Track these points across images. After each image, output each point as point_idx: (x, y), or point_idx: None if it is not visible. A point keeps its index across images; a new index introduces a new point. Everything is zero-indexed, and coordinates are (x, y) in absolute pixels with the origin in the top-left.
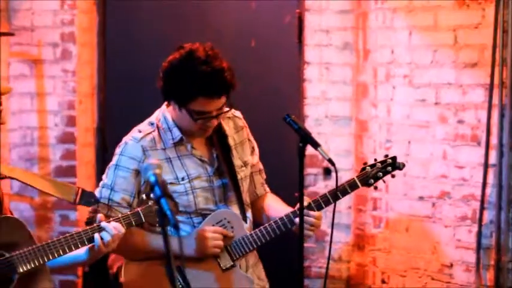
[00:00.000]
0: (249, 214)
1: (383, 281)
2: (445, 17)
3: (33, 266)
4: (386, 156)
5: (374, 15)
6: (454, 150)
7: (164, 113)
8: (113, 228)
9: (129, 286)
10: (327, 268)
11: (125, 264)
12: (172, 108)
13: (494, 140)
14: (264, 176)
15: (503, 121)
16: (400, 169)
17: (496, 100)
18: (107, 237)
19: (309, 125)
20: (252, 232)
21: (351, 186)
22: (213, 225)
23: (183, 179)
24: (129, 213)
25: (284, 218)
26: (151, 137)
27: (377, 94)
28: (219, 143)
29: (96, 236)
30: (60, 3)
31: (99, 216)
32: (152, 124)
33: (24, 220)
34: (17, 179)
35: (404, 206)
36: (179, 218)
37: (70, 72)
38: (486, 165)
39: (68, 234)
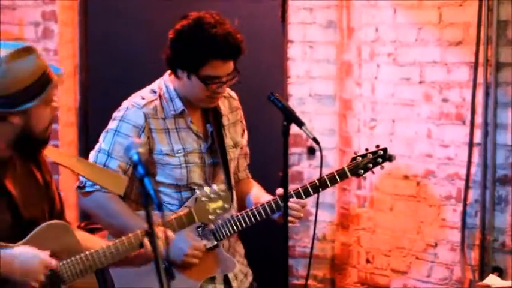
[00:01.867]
0: (234, 195)
1: (367, 261)
2: None
3: (81, 276)
4: (377, 146)
5: None
6: (439, 129)
7: (166, 83)
8: (162, 233)
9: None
10: (312, 248)
11: None
12: (175, 78)
13: (479, 119)
14: (248, 161)
15: (488, 100)
16: (391, 161)
17: (480, 78)
18: (159, 244)
19: (293, 104)
20: (238, 214)
21: (340, 175)
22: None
23: (178, 151)
24: (181, 213)
25: (271, 202)
26: (154, 105)
27: (361, 73)
28: (214, 121)
29: (146, 241)
30: None
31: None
32: (155, 92)
33: None
34: (65, 166)
35: (388, 185)
36: (168, 191)
37: (52, 51)
38: (471, 144)
39: (117, 241)
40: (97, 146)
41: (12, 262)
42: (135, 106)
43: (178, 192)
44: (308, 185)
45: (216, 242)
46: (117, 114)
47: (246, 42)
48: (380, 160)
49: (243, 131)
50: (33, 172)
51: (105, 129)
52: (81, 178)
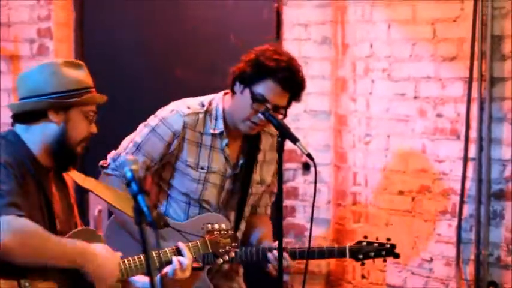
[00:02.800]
0: (242, 225)
1: (363, 276)
2: (423, 10)
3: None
4: (388, 239)
5: (352, 8)
6: (434, 144)
7: (218, 101)
8: (189, 253)
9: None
10: (306, 264)
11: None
12: (229, 96)
13: (473, 134)
14: (273, 199)
15: (482, 114)
16: (396, 258)
17: (475, 93)
18: (185, 261)
19: (288, 120)
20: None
21: (339, 252)
22: (202, 225)
23: (202, 168)
24: (197, 241)
25: (260, 250)
26: (197, 117)
27: (356, 88)
28: (249, 153)
29: (175, 259)
30: None
31: (179, 243)
32: (203, 105)
33: None
34: (90, 190)
35: (384, 201)
36: (179, 198)
37: None
38: (466, 159)
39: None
40: (132, 135)
41: (95, 258)
42: (178, 112)
43: (187, 204)
44: (304, 248)
45: (201, 265)
46: (160, 112)
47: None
48: (384, 253)
49: (275, 172)
50: (64, 190)
51: (145, 123)
52: (108, 159)
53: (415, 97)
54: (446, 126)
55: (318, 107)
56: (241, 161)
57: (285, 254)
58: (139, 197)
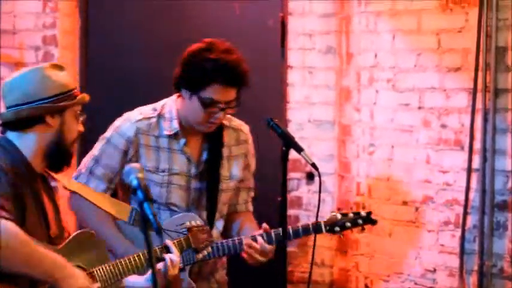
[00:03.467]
0: (219, 224)
1: (366, 286)
2: (428, 20)
3: (110, 283)
4: (363, 208)
5: (357, 19)
6: (438, 155)
7: (171, 103)
8: (177, 251)
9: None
10: (310, 273)
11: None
12: (181, 99)
13: (477, 145)
14: (252, 195)
15: (486, 125)
16: (373, 224)
17: (479, 104)
18: (174, 258)
19: (292, 129)
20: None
21: (315, 229)
22: (176, 226)
23: (163, 171)
24: (181, 238)
25: (236, 239)
26: (149, 122)
27: (360, 98)
28: (212, 149)
29: (167, 256)
30: (42, 6)
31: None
32: (155, 110)
33: None
34: (76, 192)
35: (387, 211)
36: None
37: None
38: (469, 170)
39: (140, 254)
40: (91, 151)
41: (73, 283)
42: (130, 119)
43: (156, 210)
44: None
45: (182, 265)
46: (115, 122)
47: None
48: (361, 221)
49: (247, 165)
50: (51, 193)
51: (101, 136)
52: (80, 169)
53: (420, 107)
54: (450, 137)
55: (322, 116)
56: (204, 158)
57: (260, 240)
58: (145, 205)
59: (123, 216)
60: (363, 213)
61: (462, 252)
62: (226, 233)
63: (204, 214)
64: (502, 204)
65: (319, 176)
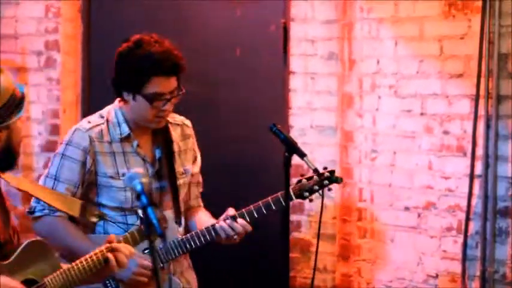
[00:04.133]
0: (182, 221)
1: None
2: (430, 27)
3: None
4: (325, 168)
5: (360, 25)
6: (440, 161)
7: (115, 108)
8: (126, 249)
9: None
10: (313, 279)
11: None
12: (124, 103)
13: (480, 151)
14: (201, 190)
15: (489, 132)
16: (338, 183)
17: (482, 111)
18: (123, 258)
19: (294, 135)
20: (183, 237)
21: (286, 198)
22: None
23: (123, 174)
24: (133, 229)
25: (209, 226)
26: (100, 128)
27: (362, 104)
28: (163, 147)
29: (111, 256)
30: (45, 11)
31: (111, 236)
32: (102, 117)
33: None
34: (25, 191)
35: (389, 217)
36: (113, 214)
37: (54, 80)
38: (472, 176)
39: (87, 256)
40: (46, 170)
41: None
42: (80, 130)
43: (124, 216)
44: (252, 208)
45: (161, 264)
46: (65, 137)
47: (248, 73)
48: (326, 182)
49: (195, 158)
50: (1, 198)
51: (54, 153)
52: (31, 203)
53: (422, 114)
54: (453, 143)
55: (324, 122)
56: (157, 156)
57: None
58: (149, 210)
59: (75, 212)
60: (326, 173)
61: (464, 258)
62: (185, 229)
63: (171, 212)
64: (504, 211)
65: (322, 182)
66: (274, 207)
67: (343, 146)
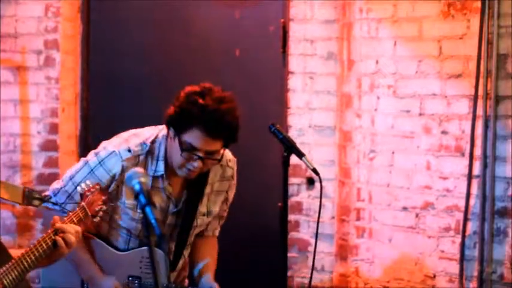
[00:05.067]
0: (186, 252)
1: None
2: (430, 27)
3: (17, 279)
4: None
5: (359, 25)
6: (438, 161)
7: (162, 141)
8: (72, 228)
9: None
10: (310, 278)
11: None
12: (169, 137)
13: (478, 151)
14: (222, 223)
15: (487, 132)
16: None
17: (480, 111)
18: (70, 238)
19: (293, 135)
20: (169, 284)
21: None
22: (141, 258)
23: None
24: (77, 210)
25: None
26: (137, 160)
27: (361, 104)
28: (194, 188)
29: (59, 238)
30: (44, 11)
31: (55, 218)
32: (146, 146)
33: (6, 228)
34: None
35: (387, 217)
36: (119, 231)
37: (53, 79)
38: (470, 176)
39: (36, 242)
40: (73, 170)
41: None
42: (118, 155)
43: (128, 236)
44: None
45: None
46: (100, 152)
47: (247, 73)
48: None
49: (226, 199)
50: None
51: (86, 159)
52: (49, 192)
53: (420, 114)
54: (451, 144)
55: (322, 122)
56: (183, 198)
57: None
58: (147, 209)
59: (18, 199)
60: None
61: (462, 258)
62: (189, 258)
63: (173, 245)
64: (502, 211)
65: (320, 182)
66: None
67: (341, 146)
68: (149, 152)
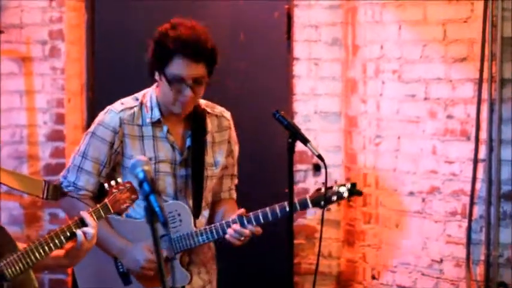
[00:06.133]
0: (206, 212)
1: (373, 277)
2: (434, 11)
3: (19, 271)
4: (348, 179)
5: (363, 10)
6: (444, 145)
7: (151, 92)
8: (93, 221)
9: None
10: (317, 265)
11: (83, 284)
12: (157, 85)
13: (483, 135)
14: (235, 182)
15: (492, 116)
16: (359, 195)
17: (485, 95)
18: (90, 231)
19: (298, 121)
20: (197, 229)
21: (301, 204)
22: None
23: (150, 159)
24: (98, 206)
25: (221, 223)
26: (132, 111)
27: (366, 90)
28: (196, 136)
29: (79, 232)
30: (49, 1)
31: (81, 212)
32: (137, 99)
33: (14, 219)
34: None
35: (394, 202)
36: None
37: (59, 69)
38: (476, 160)
39: (51, 232)
40: (77, 148)
41: None
42: (113, 111)
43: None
44: (268, 210)
45: (173, 255)
46: (97, 117)
47: (252, 59)
48: (346, 194)
49: (230, 151)
50: None
51: (86, 132)
52: (60, 179)
53: (425, 98)
54: (457, 128)
55: (328, 108)
56: (187, 144)
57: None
58: (152, 197)
59: (38, 192)
60: (348, 185)
61: (469, 242)
62: (210, 221)
63: (191, 202)
64: (508, 194)
65: (325, 168)
66: (299, 209)
67: (347, 131)
68: (142, 104)
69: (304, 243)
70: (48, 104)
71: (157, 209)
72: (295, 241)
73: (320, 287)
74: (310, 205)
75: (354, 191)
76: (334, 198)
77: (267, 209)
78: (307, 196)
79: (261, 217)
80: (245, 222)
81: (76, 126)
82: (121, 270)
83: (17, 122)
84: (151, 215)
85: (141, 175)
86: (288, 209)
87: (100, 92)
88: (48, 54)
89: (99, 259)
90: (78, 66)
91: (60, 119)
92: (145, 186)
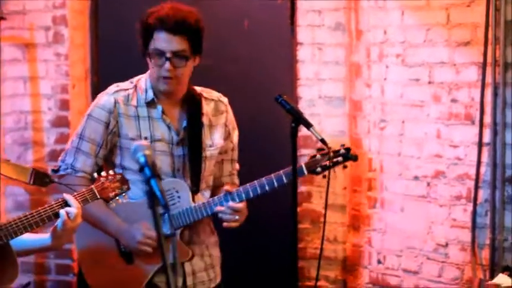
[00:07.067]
0: (206, 193)
1: (379, 261)
2: None
3: (12, 237)
4: (342, 145)
5: None
6: (448, 130)
7: (146, 75)
8: (76, 202)
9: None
10: (321, 249)
11: (87, 267)
12: (150, 69)
13: (488, 119)
14: (237, 167)
15: (496, 99)
16: (353, 160)
17: (489, 79)
18: (72, 211)
19: (302, 106)
20: (195, 205)
21: (298, 172)
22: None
23: (146, 138)
24: (84, 190)
25: (219, 196)
26: (127, 93)
27: (370, 74)
28: (192, 118)
29: (62, 211)
30: None
31: (64, 194)
32: (131, 82)
33: (19, 204)
34: None
35: (399, 186)
36: (134, 178)
37: (63, 55)
38: (480, 144)
39: (33, 211)
40: (75, 131)
41: None
42: (107, 93)
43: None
44: (265, 180)
45: (173, 231)
46: (93, 101)
47: (255, 44)
48: (341, 159)
49: (228, 134)
50: None
51: (83, 115)
52: (58, 162)
53: (430, 82)
54: (461, 112)
55: (332, 93)
56: (183, 125)
57: (231, 204)
58: (152, 181)
59: (23, 178)
60: (342, 150)
61: (474, 226)
62: None
63: (189, 181)
64: None
65: (329, 152)
66: (285, 181)
67: (351, 116)
68: (136, 86)
69: (309, 227)
70: (52, 90)
71: (158, 193)
72: (301, 226)
73: (326, 272)
74: (305, 172)
75: (348, 156)
76: (330, 164)
77: (263, 179)
78: (302, 164)
79: (258, 187)
80: (243, 195)
81: (81, 112)
82: (123, 250)
83: (21, 108)
84: (153, 199)
85: (142, 159)
86: (285, 180)
87: (104, 77)
88: (51, 40)
89: (101, 241)
90: (82, 52)
91: (64, 105)
92: (146, 171)
